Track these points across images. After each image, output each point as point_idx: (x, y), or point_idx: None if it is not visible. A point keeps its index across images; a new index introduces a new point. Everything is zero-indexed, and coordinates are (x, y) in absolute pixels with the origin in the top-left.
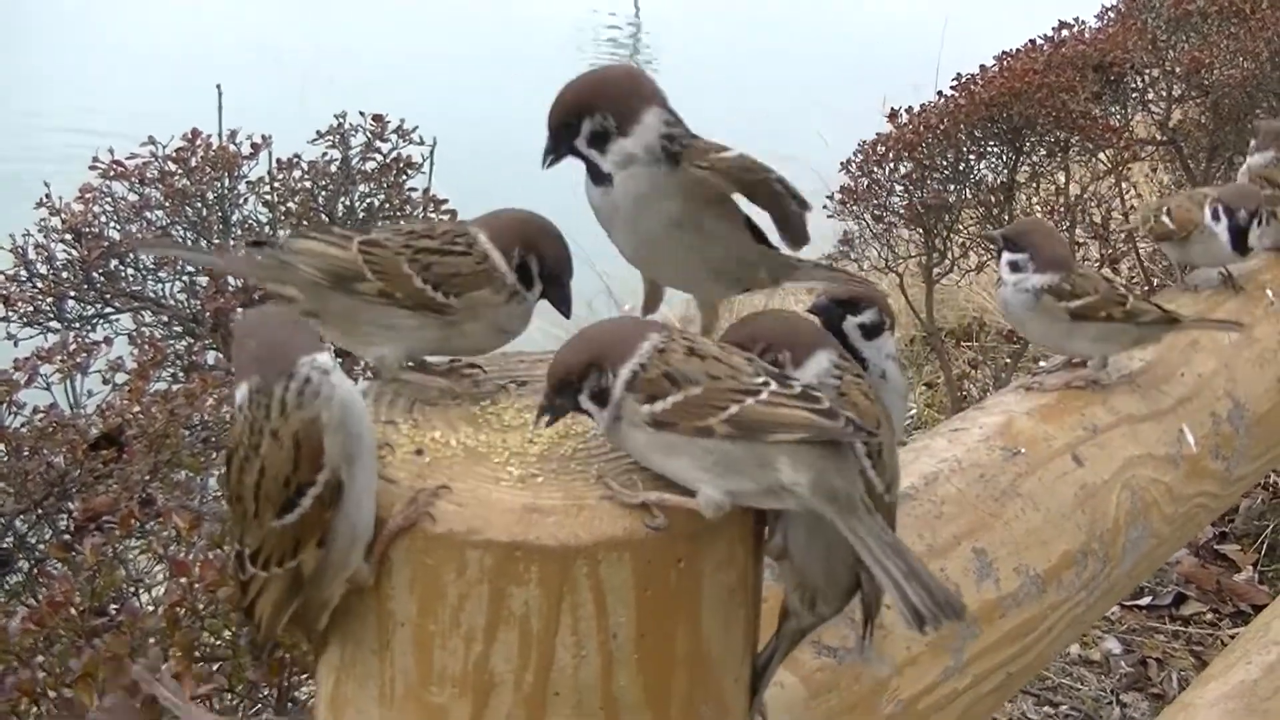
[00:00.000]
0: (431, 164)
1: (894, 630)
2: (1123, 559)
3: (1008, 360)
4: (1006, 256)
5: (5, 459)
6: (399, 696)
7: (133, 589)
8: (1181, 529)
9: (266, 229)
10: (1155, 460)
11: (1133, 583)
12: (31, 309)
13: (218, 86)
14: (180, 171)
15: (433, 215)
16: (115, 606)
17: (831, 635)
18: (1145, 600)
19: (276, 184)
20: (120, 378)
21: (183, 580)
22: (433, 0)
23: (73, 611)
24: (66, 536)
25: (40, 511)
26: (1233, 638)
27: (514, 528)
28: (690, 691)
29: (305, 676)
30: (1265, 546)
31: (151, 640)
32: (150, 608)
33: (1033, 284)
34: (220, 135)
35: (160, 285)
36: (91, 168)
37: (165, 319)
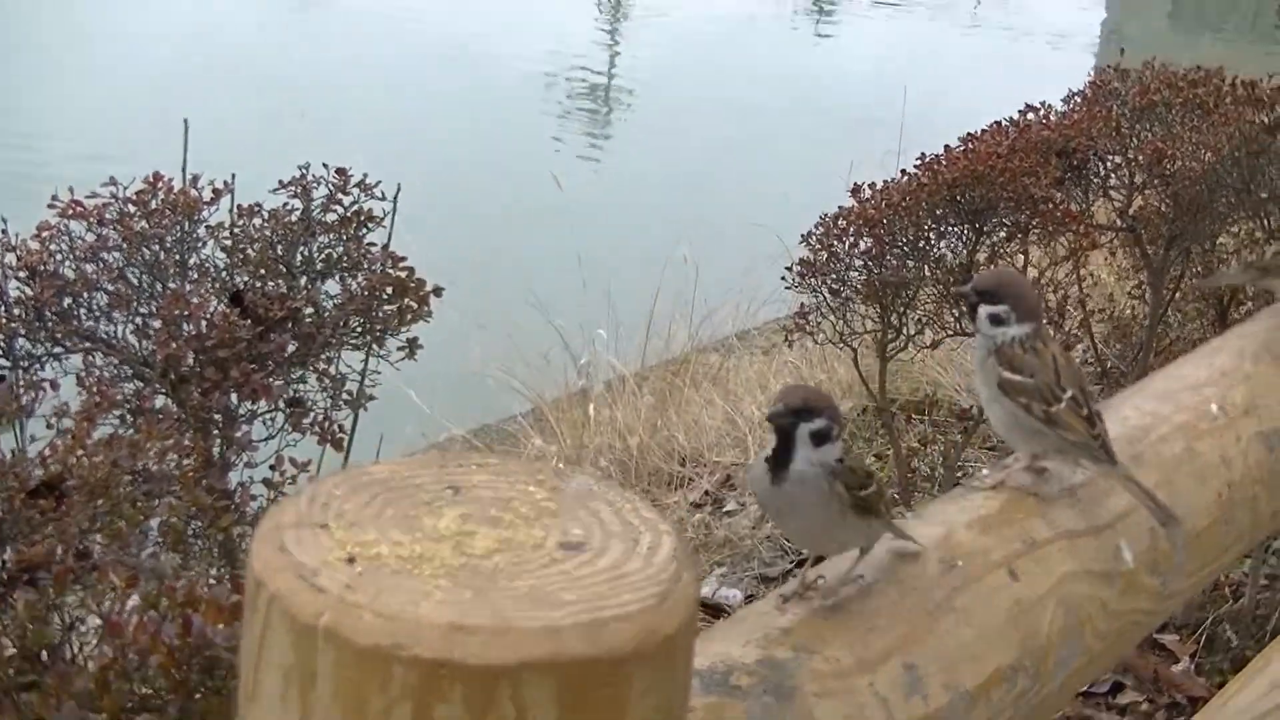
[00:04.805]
0: (394, 217)
1: None
2: (1054, 675)
3: (958, 437)
4: (985, 310)
5: None
6: None
7: (64, 639)
8: (1114, 645)
9: (224, 274)
10: (1092, 576)
11: (1064, 698)
12: None
13: (185, 121)
14: (139, 213)
15: (390, 271)
16: (47, 657)
17: None
18: (1082, 687)
19: (236, 230)
20: (66, 423)
21: (116, 642)
22: (406, 40)
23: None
24: None
25: None
26: None
27: (438, 645)
28: None
29: None
30: (1204, 638)
31: (78, 705)
32: (82, 659)
33: (1011, 335)
34: (184, 173)
35: (113, 326)
36: (50, 206)
37: (115, 361)
